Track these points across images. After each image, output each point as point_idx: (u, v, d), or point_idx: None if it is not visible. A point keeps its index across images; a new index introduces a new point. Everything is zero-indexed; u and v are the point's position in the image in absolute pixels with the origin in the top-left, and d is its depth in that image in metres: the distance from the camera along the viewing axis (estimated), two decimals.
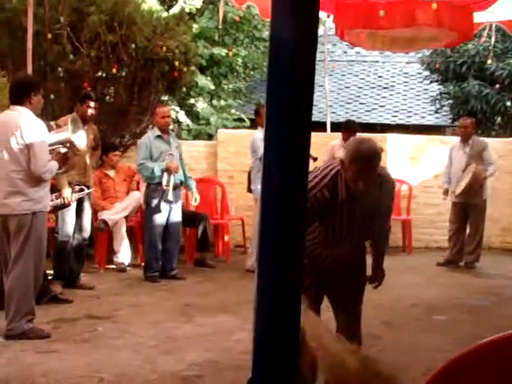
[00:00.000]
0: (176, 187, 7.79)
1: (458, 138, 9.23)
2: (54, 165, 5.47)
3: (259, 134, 7.77)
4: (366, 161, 3.60)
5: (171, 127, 8.50)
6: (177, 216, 7.95)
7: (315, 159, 7.53)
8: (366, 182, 3.62)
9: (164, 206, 7.74)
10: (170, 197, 7.63)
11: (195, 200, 8.25)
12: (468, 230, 9.03)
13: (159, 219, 7.77)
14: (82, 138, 6.13)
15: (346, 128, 8.89)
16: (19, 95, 5.43)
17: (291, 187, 1.48)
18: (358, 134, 8.58)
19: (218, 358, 4.97)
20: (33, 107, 5.46)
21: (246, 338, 5.24)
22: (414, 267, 8.85)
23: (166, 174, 7.65)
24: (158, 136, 7.84)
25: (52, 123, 6.52)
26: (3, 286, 5.52)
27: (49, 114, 7.73)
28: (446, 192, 9.08)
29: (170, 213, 7.83)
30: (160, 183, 7.66)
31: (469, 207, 8.86)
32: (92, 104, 7.21)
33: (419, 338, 5.55)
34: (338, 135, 9.18)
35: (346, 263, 3.96)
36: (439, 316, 6.43)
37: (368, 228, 3.91)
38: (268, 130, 1.48)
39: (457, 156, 8.94)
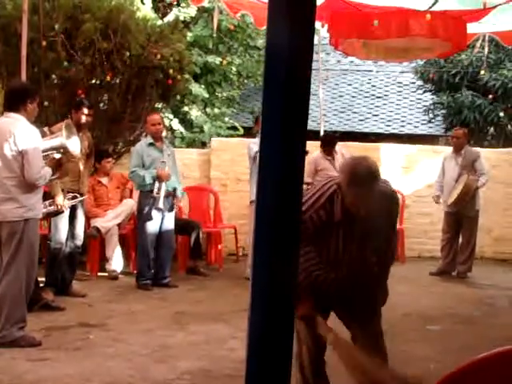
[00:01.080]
0: (168, 195, 7.79)
1: (450, 148, 9.26)
2: (48, 171, 5.47)
3: (258, 141, 7.83)
4: (365, 183, 3.38)
5: (164, 134, 8.51)
6: (170, 224, 7.94)
7: (306, 152, 7.58)
8: (367, 205, 3.40)
9: (156, 214, 7.74)
10: (161, 204, 7.63)
11: (180, 209, 8.29)
12: (461, 240, 9.05)
13: (151, 227, 7.77)
14: (76, 144, 6.13)
15: (325, 143, 8.96)
16: (15, 102, 5.43)
17: (286, 194, 1.48)
18: (343, 143, 8.65)
19: (210, 367, 4.96)
20: (28, 114, 5.45)
21: (239, 346, 5.24)
22: (407, 277, 8.85)
23: (156, 182, 7.66)
24: (151, 144, 7.84)
25: (46, 129, 6.51)
26: None
27: (43, 121, 7.71)
28: (437, 198, 9.09)
29: (162, 220, 7.83)
30: (151, 191, 7.66)
31: (461, 218, 8.89)
32: (86, 111, 7.21)
33: (412, 348, 5.55)
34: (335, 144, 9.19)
35: (355, 285, 3.66)
36: (432, 325, 6.43)
37: (371, 248, 3.62)
38: (263, 139, 1.48)
39: (449, 166, 8.97)
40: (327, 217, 3.48)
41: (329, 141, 9.04)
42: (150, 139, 7.89)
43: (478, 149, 9.72)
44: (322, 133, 11.13)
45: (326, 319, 3.73)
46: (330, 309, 3.84)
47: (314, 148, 8.54)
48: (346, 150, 9.14)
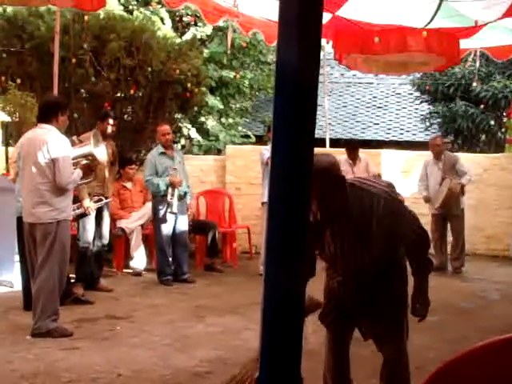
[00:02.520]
0: (181, 198, 7.80)
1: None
2: (78, 174, 5.50)
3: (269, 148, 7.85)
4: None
5: (183, 143, 8.51)
6: (183, 225, 7.94)
7: None
8: (318, 204, 2.91)
9: (169, 217, 7.75)
10: (175, 209, 7.64)
11: (188, 210, 8.26)
12: (451, 239, 9.00)
13: (165, 228, 7.77)
14: (102, 152, 6.16)
15: (349, 147, 8.95)
16: (47, 114, 5.46)
17: (296, 196, 1.48)
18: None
19: (227, 356, 4.96)
20: (59, 125, 5.48)
21: (253, 337, 5.23)
22: None
23: (170, 188, 7.67)
24: (162, 153, 7.85)
25: (75, 138, 6.55)
26: (31, 289, 5.53)
27: (72, 131, 7.75)
28: (426, 198, 9.00)
29: (175, 222, 7.83)
30: (165, 195, 7.67)
31: (447, 217, 8.87)
32: (111, 121, 7.24)
33: (411, 337, 5.49)
34: (337, 151, 9.17)
35: (371, 293, 3.23)
36: (429, 317, 6.38)
37: (378, 253, 3.11)
38: (275, 146, 1.48)
39: (432, 171, 8.91)
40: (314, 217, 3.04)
41: (352, 145, 9.07)
42: (160, 148, 7.88)
43: (470, 154, 9.66)
44: (327, 140, 11.14)
45: (347, 335, 3.40)
46: (351, 320, 3.37)
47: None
48: (370, 160, 9.10)
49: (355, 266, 3.17)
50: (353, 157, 8.78)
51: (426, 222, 10.15)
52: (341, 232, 3.10)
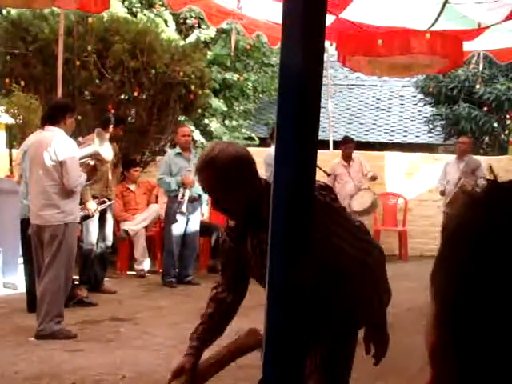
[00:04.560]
0: (193, 200, 7.79)
1: (449, 156, 9.19)
2: (84, 177, 5.52)
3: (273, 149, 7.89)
4: (200, 169, 2.42)
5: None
6: (194, 226, 7.94)
7: (329, 175, 7.71)
8: (215, 204, 2.48)
9: (181, 217, 7.75)
10: (184, 209, 7.65)
11: (202, 215, 8.28)
12: None
13: (176, 229, 7.77)
14: (108, 150, 6.18)
15: (343, 144, 9.04)
16: (55, 116, 5.47)
17: (300, 197, 1.48)
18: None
19: None
20: (66, 128, 5.50)
21: None
22: (410, 274, 8.79)
23: (181, 188, 7.67)
24: (179, 153, 7.86)
25: (80, 139, 6.57)
26: (36, 291, 5.54)
27: (76, 133, 7.76)
28: (442, 193, 8.91)
29: (187, 223, 7.84)
30: (177, 195, 7.68)
31: None
32: (111, 128, 7.24)
33: (414, 340, 5.47)
34: (340, 153, 9.18)
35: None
36: None
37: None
38: (278, 147, 1.49)
39: (451, 171, 8.87)
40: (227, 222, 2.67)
41: (345, 142, 9.13)
42: (178, 149, 7.91)
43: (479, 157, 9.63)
44: (331, 142, 11.14)
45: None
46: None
47: (324, 156, 8.55)
48: (363, 159, 9.14)
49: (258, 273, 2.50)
50: (347, 153, 8.83)
51: (432, 224, 10.19)
52: (260, 241, 2.42)
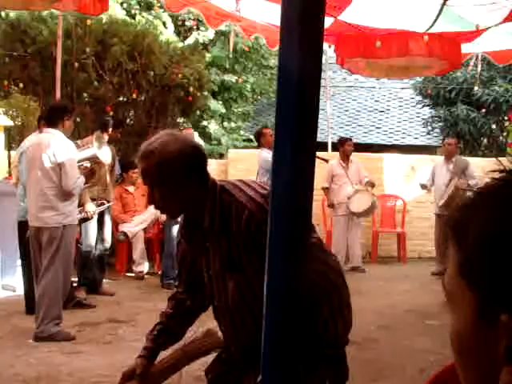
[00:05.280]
0: None
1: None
2: (82, 180, 5.51)
3: (266, 153, 7.87)
4: (137, 159, 2.15)
5: None
6: None
7: (327, 161, 7.81)
8: (149, 197, 2.20)
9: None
10: None
11: None
12: None
13: (176, 230, 7.76)
14: (106, 153, 6.18)
15: (339, 145, 9.11)
16: (54, 118, 5.47)
17: (298, 198, 1.48)
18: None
19: None
20: (64, 130, 5.50)
21: None
22: (409, 276, 8.81)
23: None
24: None
25: (79, 142, 6.57)
26: (34, 293, 5.53)
27: (75, 135, 7.77)
28: (424, 186, 8.97)
29: None
30: None
31: None
32: (110, 131, 7.24)
33: (413, 341, 5.52)
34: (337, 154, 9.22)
35: (252, 340, 2.09)
36: (431, 321, 6.39)
37: (257, 290, 2.01)
38: (277, 149, 1.49)
39: (440, 173, 8.89)
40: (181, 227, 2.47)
41: (342, 142, 9.18)
42: None
43: (471, 158, 9.65)
44: (329, 144, 11.15)
45: None
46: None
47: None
48: (361, 164, 9.18)
49: (225, 303, 2.31)
50: (347, 151, 8.86)
51: (430, 225, 10.18)
52: (212, 254, 2.23)
